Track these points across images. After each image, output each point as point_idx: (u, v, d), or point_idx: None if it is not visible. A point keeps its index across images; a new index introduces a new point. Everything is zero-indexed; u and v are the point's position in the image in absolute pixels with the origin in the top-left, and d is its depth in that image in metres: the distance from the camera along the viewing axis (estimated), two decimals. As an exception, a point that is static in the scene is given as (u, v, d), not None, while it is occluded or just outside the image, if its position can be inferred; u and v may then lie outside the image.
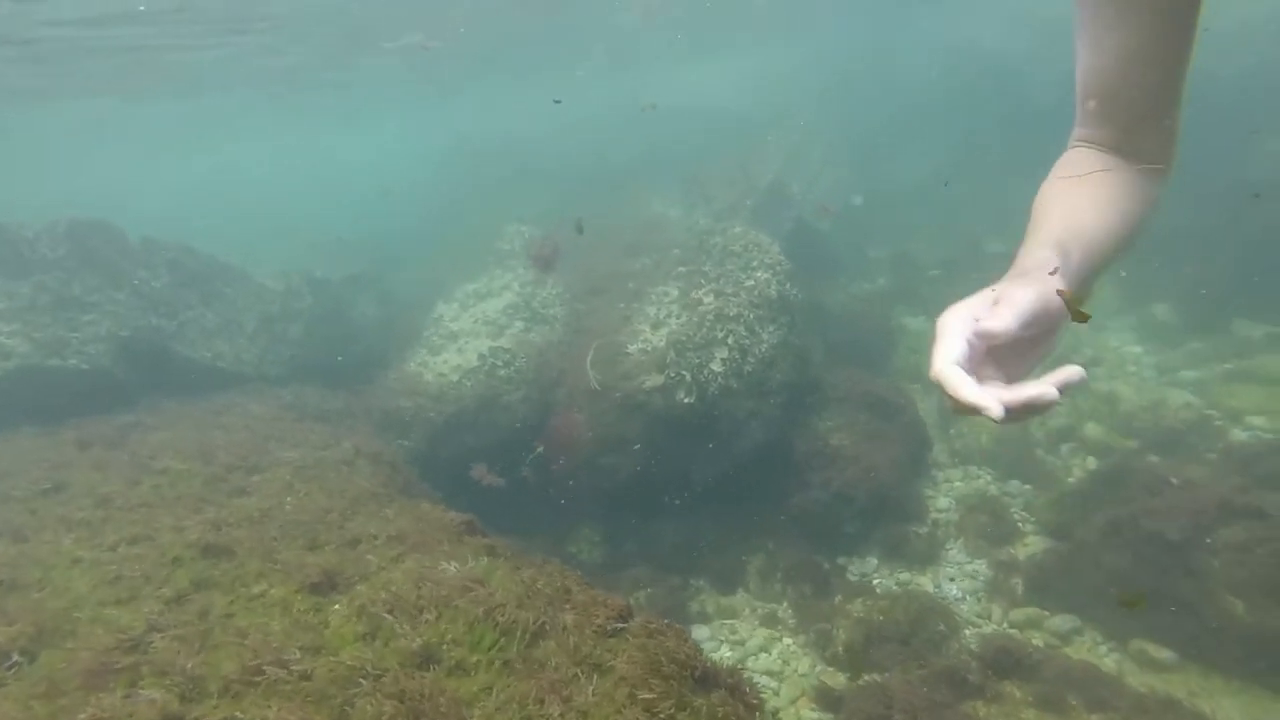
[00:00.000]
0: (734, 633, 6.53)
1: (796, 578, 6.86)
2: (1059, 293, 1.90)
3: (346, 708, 2.58)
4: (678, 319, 7.78)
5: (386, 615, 3.05)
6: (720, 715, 2.70)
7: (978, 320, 1.13)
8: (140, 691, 2.71)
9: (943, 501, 7.67)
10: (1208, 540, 5.42)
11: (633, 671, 2.74)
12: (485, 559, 3.72)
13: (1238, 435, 7.49)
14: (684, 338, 7.37)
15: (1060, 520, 6.82)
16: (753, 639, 6.39)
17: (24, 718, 2.64)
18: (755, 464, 7.45)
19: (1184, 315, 9.79)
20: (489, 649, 2.90)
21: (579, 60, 20.90)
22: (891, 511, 7.31)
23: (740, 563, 7.20)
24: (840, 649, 5.91)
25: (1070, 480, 7.47)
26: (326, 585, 3.40)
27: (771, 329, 7.61)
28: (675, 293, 8.23)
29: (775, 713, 5.58)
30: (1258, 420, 7.63)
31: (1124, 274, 10.45)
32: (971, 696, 5.00)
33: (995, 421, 1.08)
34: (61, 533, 4.37)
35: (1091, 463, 7.65)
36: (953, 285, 10.85)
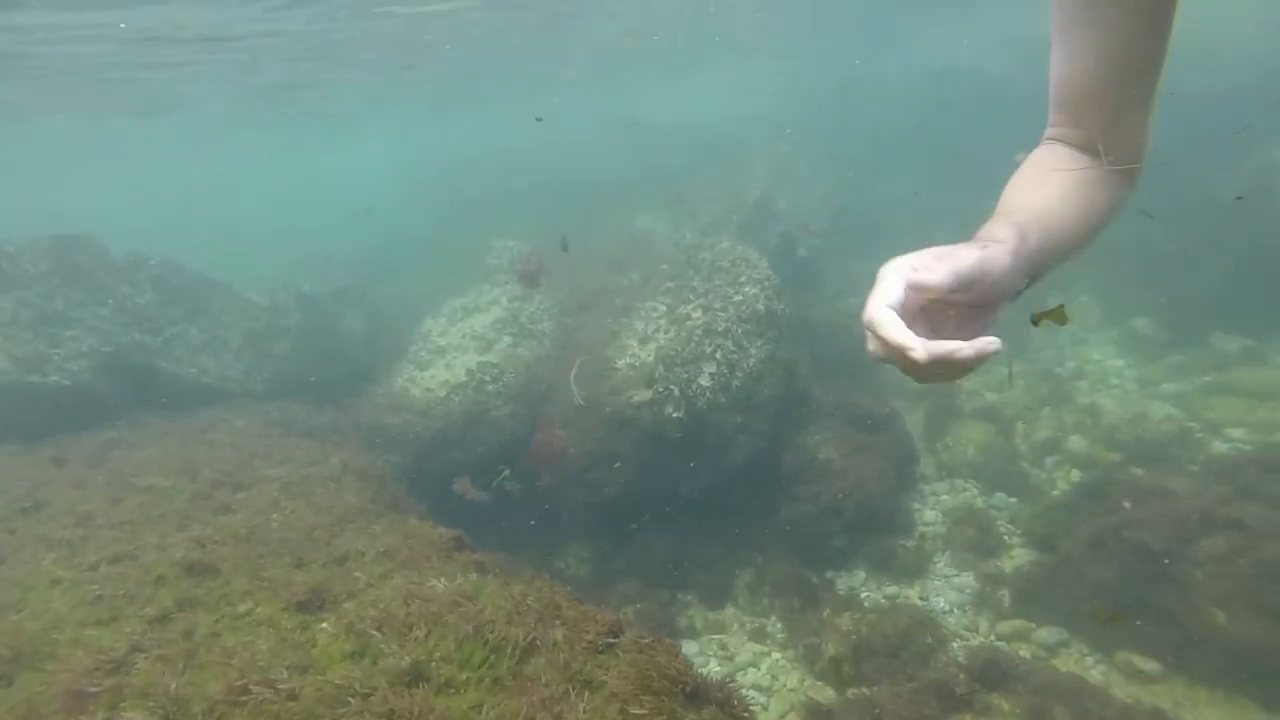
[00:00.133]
0: (723, 647, 6.51)
1: (785, 592, 6.86)
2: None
3: (334, 727, 2.55)
4: (666, 334, 7.81)
5: (375, 633, 3.02)
6: (711, 731, 2.69)
7: (916, 270, 1.12)
8: (122, 714, 2.67)
9: (930, 514, 7.71)
10: (1190, 551, 5.49)
11: (624, 688, 2.73)
12: (474, 575, 3.70)
13: (1218, 447, 7.60)
14: (672, 353, 7.40)
15: (1046, 532, 6.87)
16: (741, 653, 6.38)
17: (3, 741, 2.59)
18: (743, 478, 7.46)
19: (1164, 329, 9.95)
20: (479, 666, 2.88)
21: (557, 80, 21.06)
22: (879, 525, 7.33)
23: (729, 577, 7.19)
24: (829, 663, 5.91)
25: (1055, 493, 7.54)
26: (314, 603, 3.37)
27: (759, 344, 7.65)
28: (663, 308, 8.27)
29: (765, 728, 5.56)
30: (1236, 432, 7.75)
31: (1121, 295, 10.61)
32: (959, 709, 5.00)
33: (914, 370, 1.07)
34: (41, 552, 4.30)
35: (1076, 475, 7.73)
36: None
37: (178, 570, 3.78)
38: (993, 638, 6.13)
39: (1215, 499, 5.90)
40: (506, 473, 7.22)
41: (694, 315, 7.82)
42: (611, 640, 3.10)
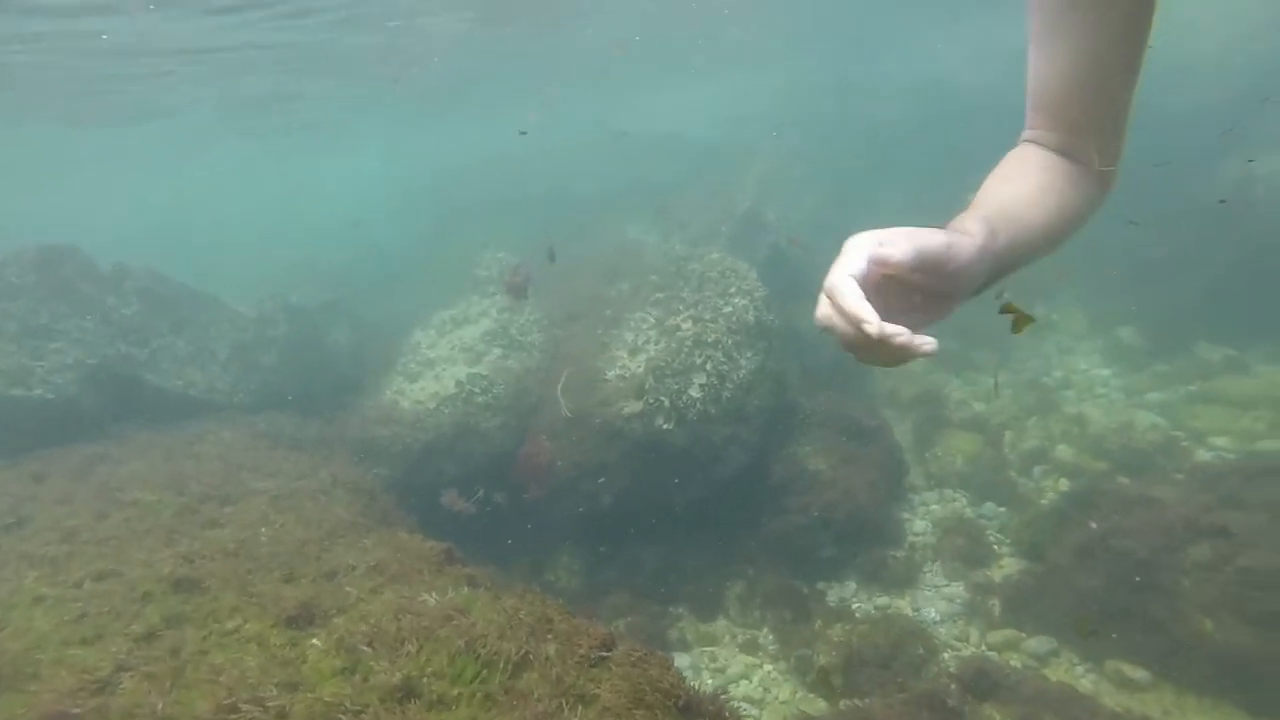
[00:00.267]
0: (714, 660, 6.49)
1: (776, 603, 6.85)
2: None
3: (325, 745, 2.52)
4: (656, 345, 7.82)
5: (366, 649, 3.00)
6: (705, 745, 2.69)
7: (881, 244, 1.12)
8: (109, 733, 2.63)
9: (919, 525, 7.74)
10: (1176, 559, 5.53)
11: (617, 701, 2.72)
12: (466, 589, 3.68)
13: (1202, 455, 7.68)
14: (662, 364, 7.41)
15: (1035, 542, 6.92)
16: (733, 666, 6.36)
17: (-14, 763, 2.55)
18: (734, 489, 7.46)
19: (1149, 339, 10.07)
20: (471, 681, 2.86)
21: (544, 91, 21.16)
22: (869, 535, 7.35)
23: (720, 589, 7.18)
24: (818, 674, 5.91)
25: (1043, 502, 7.58)
26: (304, 618, 3.33)
27: (749, 355, 7.68)
28: (653, 319, 8.29)
29: (757, 741, 5.55)
30: (1220, 440, 7.84)
31: (1106, 305, 10.73)
32: (952, 720, 5.01)
33: (856, 345, 1.06)
34: (23, 570, 4.23)
35: (1064, 484, 7.78)
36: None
37: (164, 586, 3.74)
38: (983, 648, 6.15)
39: (1200, 507, 5.96)
40: (481, 493, 7.18)
41: (684, 326, 7.84)
42: (604, 654, 3.09)
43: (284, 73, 14.01)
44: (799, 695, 5.93)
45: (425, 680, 2.84)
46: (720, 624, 6.94)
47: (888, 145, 16.18)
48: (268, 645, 3.16)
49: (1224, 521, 5.60)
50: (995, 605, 6.48)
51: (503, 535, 7.25)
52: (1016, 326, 2.01)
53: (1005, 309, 1.93)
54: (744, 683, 6.17)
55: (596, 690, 2.82)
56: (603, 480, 7.22)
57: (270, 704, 2.70)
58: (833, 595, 7.02)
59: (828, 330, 1.13)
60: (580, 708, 2.71)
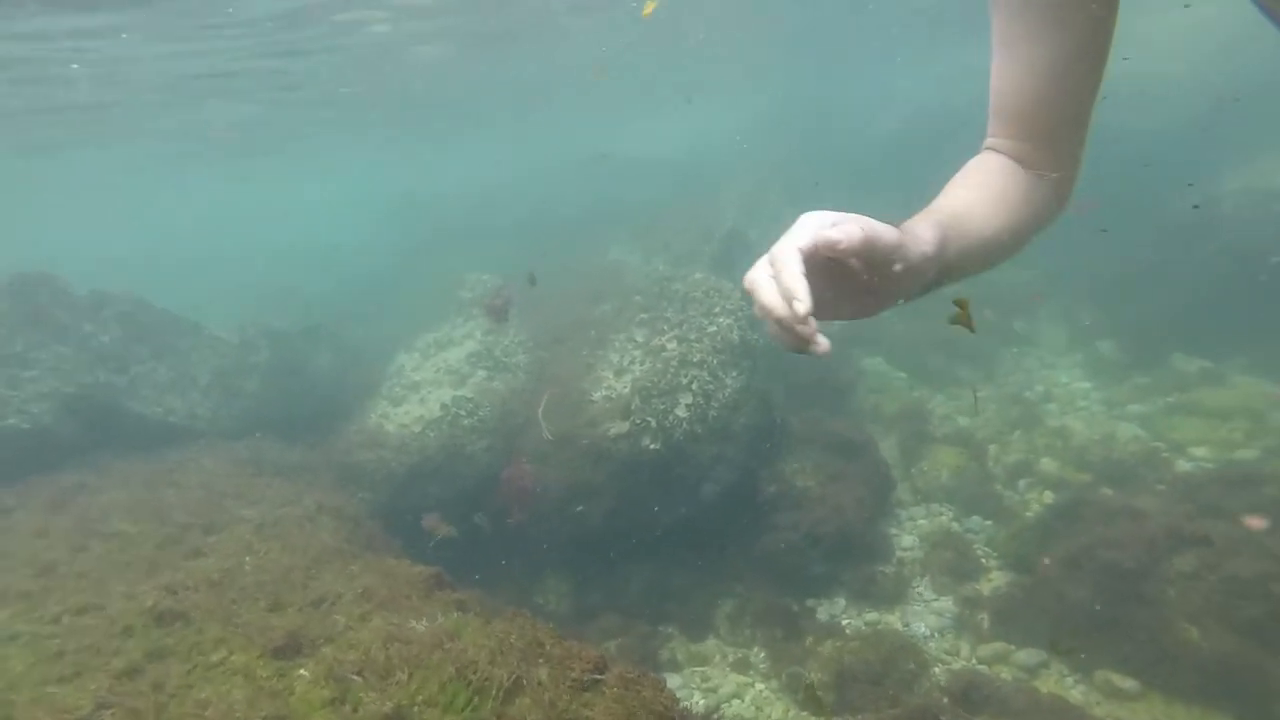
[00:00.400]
0: (706, 680, 6.44)
1: (766, 621, 6.83)
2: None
3: (315, 778, 2.48)
4: (641, 365, 7.84)
5: (355, 678, 2.95)
6: (701, 767, 2.66)
7: (834, 225, 1.10)
8: (91, 772, 2.56)
9: (907, 540, 7.76)
10: (1161, 568, 5.59)
11: (611, 725, 2.70)
12: (455, 614, 3.64)
13: (1183, 466, 7.79)
14: (648, 384, 7.42)
15: (1021, 554, 6.96)
16: (725, 686, 6.31)
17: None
18: (722, 508, 7.45)
19: (1127, 352, 10.25)
20: (462, 709, 2.82)
21: (528, 114, 21.30)
22: (858, 552, 7.36)
23: (710, 608, 7.15)
24: (805, 691, 5.88)
25: (1029, 514, 7.64)
26: (291, 648, 3.28)
27: (735, 374, 7.71)
28: (638, 339, 8.31)
29: (751, 762, 5.50)
30: (1199, 451, 7.97)
31: (1085, 320, 10.91)
32: (945, 736, 5.00)
33: (774, 318, 1.05)
34: (-2, 606, 4.13)
35: (1048, 496, 7.85)
36: (907, 327, 11.18)
37: (147, 619, 3.66)
38: (974, 661, 6.16)
39: (1182, 516, 6.04)
40: (476, 517, 7.12)
41: (669, 346, 7.87)
42: (597, 677, 3.06)
43: (261, 100, 14.03)
44: (791, 714, 5.89)
45: (416, 709, 2.81)
46: (711, 643, 6.89)
47: (868, 164, 16.44)
48: (254, 677, 3.10)
49: (1206, 530, 5.68)
50: (984, 618, 6.50)
51: (489, 558, 7.18)
52: (957, 321, 2.05)
53: (956, 313, 1.97)
54: (736, 702, 6.12)
55: (590, 714, 2.80)
56: (590, 502, 7.18)
57: (258, 737, 2.65)
58: (823, 612, 7.01)
59: (753, 293, 1.12)
60: (575, 732, 2.69)
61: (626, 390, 7.49)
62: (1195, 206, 10.17)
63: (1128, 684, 5.43)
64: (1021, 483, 8.24)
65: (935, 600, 6.93)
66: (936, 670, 5.99)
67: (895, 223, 1.26)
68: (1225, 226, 10.31)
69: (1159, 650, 5.40)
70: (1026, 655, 5.99)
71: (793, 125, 21.21)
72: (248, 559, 4.49)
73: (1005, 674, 5.90)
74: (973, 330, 2.02)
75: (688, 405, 7.30)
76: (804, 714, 5.85)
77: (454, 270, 11.22)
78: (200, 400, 8.28)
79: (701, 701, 6.14)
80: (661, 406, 7.26)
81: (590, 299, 9.84)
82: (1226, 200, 10.53)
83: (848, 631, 6.67)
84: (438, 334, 9.73)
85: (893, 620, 6.77)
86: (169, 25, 8.85)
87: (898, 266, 1.19)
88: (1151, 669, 5.42)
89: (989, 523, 7.77)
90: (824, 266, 1.15)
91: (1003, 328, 11.52)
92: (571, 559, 7.50)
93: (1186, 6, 12.77)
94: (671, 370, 7.53)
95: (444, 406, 8.06)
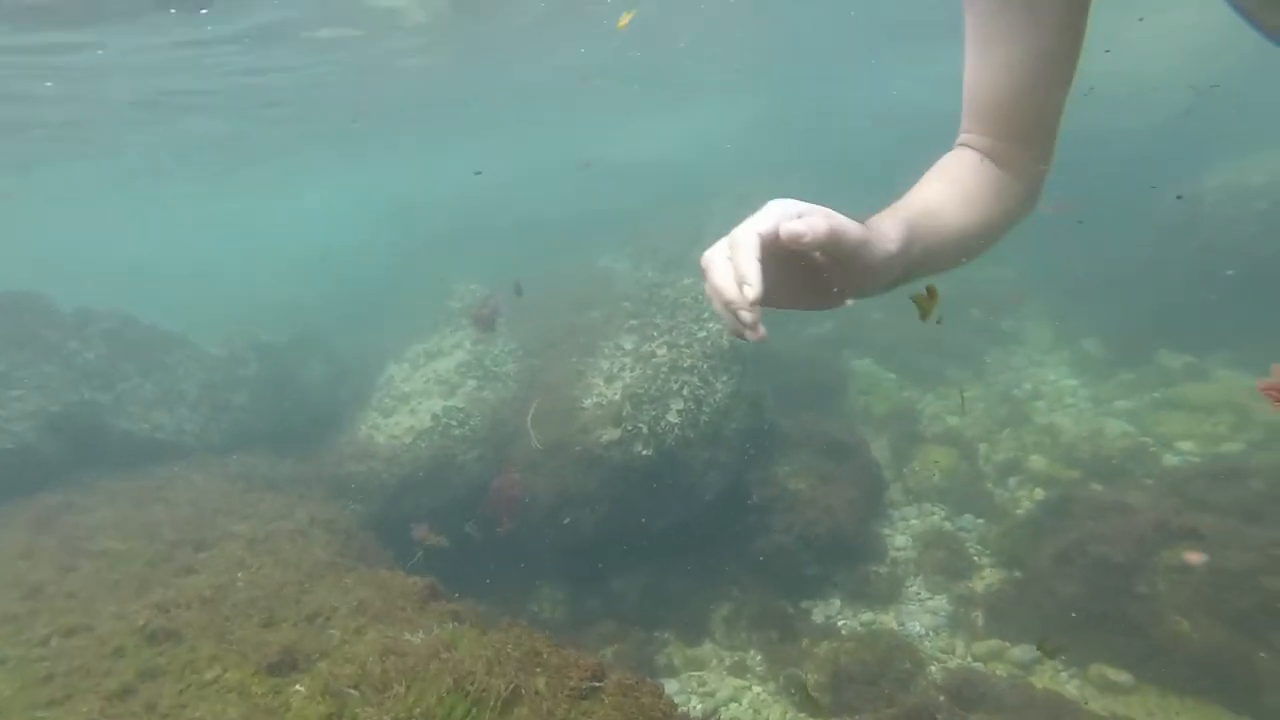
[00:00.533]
0: (703, 684, 6.44)
1: (762, 624, 6.84)
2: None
3: (313, 794, 2.46)
4: (632, 372, 7.84)
5: (352, 692, 2.94)
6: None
7: (800, 216, 1.09)
8: (85, 794, 2.53)
9: (900, 540, 7.79)
10: (1151, 562, 5.64)
11: (610, 733, 2.70)
12: (451, 624, 3.63)
13: (1170, 460, 7.87)
14: (639, 390, 7.42)
15: (1013, 551, 7.01)
16: (722, 689, 6.31)
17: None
18: (715, 512, 7.46)
19: (1112, 349, 10.35)
20: (461, 720, 2.81)
21: (514, 123, 21.27)
22: (852, 552, 7.39)
23: (705, 612, 7.15)
24: (800, 692, 5.89)
25: (1020, 512, 7.69)
26: (286, 664, 3.25)
27: (725, 379, 7.73)
28: (628, 346, 8.31)
29: (750, 766, 5.49)
30: (1186, 445, 8.05)
31: (1070, 318, 11.03)
32: (942, 734, 5.02)
33: (724, 298, 1.05)
34: (-14, 629, 4.08)
35: (1039, 493, 7.91)
36: (896, 328, 11.26)
37: (138, 639, 3.63)
38: (969, 659, 6.18)
39: (1170, 510, 6.09)
40: (469, 526, 7.09)
41: (659, 352, 7.88)
42: (595, 684, 3.06)
43: (243, 112, 13.96)
44: (789, 716, 5.89)
45: (414, 721, 2.79)
46: (707, 647, 6.89)
47: (861, 167, 16.55)
48: (249, 694, 3.08)
49: (1194, 524, 5.74)
50: (978, 616, 6.54)
51: (483, 568, 7.15)
52: (921, 311, 2.07)
53: (920, 295, 1.98)
54: (734, 705, 6.12)
55: (589, 722, 2.79)
56: (583, 508, 7.17)
57: (254, 754, 2.63)
58: (818, 613, 7.02)
59: (706, 272, 1.12)
60: (574, 741, 2.68)
61: (617, 397, 7.50)
62: (1179, 197, 10.28)
63: (1121, 677, 5.46)
64: (1012, 480, 8.30)
65: (929, 599, 6.96)
66: (932, 669, 6.01)
67: (863, 217, 1.25)
68: (1206, 224, 10.44)
69: (1151, 644, 5.44)
70: (1021, 651, 6.02)
71: (786, 128, 21.32)
72: (240, 575, 4.45)
73: (1000, 671, 5.93)
74: (924, 319, 2.03)
75: (679, 411, 7.31)
76: (801, 715, 5.86)
77: (444, 278, 11.20)
78: (188, 415, 8.22)
79: (699, 706, 6.14)
80: (653, 412, 7.26)
81: (579, 306, 9.84)
82: (1207, 197, 10.66)
83: (843, 632, 6.69)
84: (427, 344, 9.70)
85: (888, 620, 6.80)
86: (144, 42, 8.79)
87: (860, 265, 1.18)
88: (1144, 662, 5.46)
89: (980, 521, 7.81)
90: (787, 255, 1.14)
91: (990, 327, 11.62)
92: (566, 566, 7.49)
93: (1140, 20, 12.95)
94: (662, 376, 7.54)
95: (435, 417, 8.04)
